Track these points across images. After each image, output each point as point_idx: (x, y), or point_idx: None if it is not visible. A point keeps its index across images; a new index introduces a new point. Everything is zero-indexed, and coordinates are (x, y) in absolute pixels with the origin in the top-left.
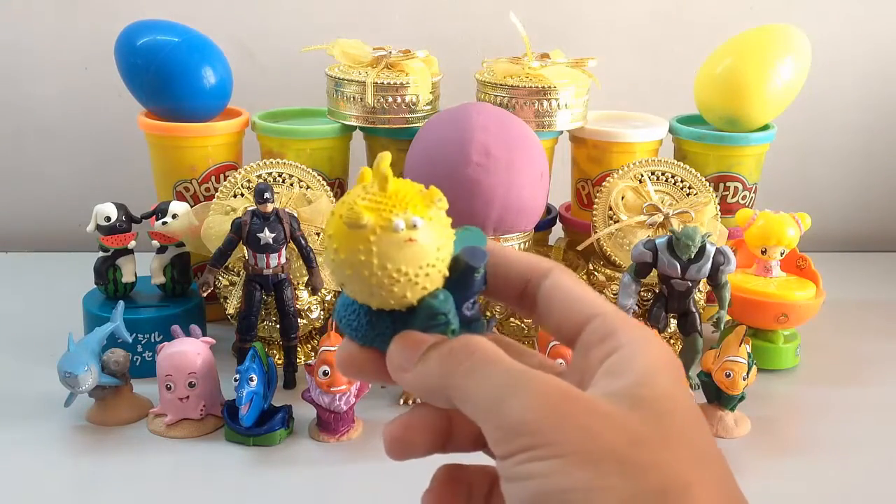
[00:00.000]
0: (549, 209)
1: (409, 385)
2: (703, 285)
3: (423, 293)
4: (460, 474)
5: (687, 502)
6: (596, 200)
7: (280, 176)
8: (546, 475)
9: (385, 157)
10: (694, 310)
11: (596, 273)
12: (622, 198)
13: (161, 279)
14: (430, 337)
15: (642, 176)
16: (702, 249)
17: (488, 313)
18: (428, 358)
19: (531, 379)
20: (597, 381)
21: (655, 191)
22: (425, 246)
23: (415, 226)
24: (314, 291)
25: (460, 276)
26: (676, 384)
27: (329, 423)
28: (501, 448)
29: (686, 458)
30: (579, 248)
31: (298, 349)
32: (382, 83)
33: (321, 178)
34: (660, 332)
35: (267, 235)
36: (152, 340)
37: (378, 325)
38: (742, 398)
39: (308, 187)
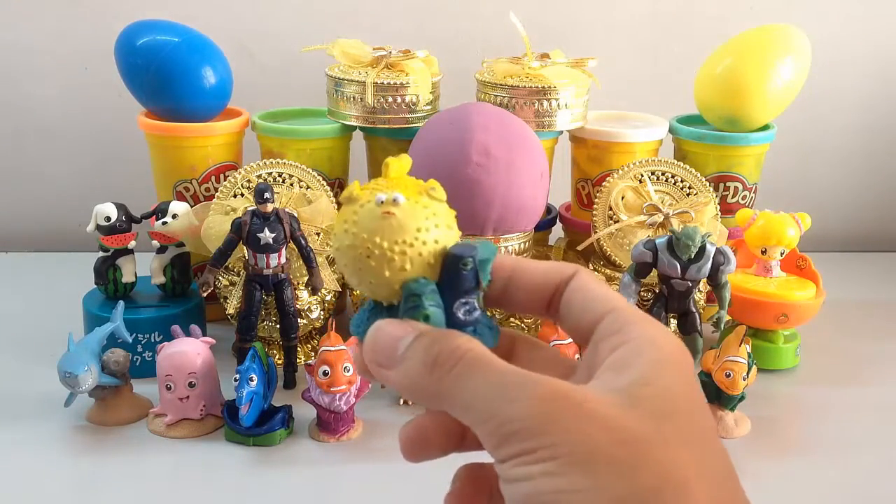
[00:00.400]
0: (549, 209)
1: (394, 384)
2: (703, 285)
3: (402, 275)
4: (481, 473)
5: (683, 500)
6: (596, 200)
7: (280, 176)
8: (541, 477)
9: (404, 158)
10: (694, 310)
11: (596, 273)
12: (622, 198)
13: (161, 279)
14: (405, 329)
15: (642, 176)
16: (702, 249)
17: (488, 313)
18: (412, 357)
19: (523, 382)
20: (601, 376)
21: (655, 191)
22: (402, 221)
23: (395, 201)
24: (314, 291)
25: (448, 268)
26: (681, 381)
27: (329, 423)
28: (498, 452)
29: (684, 456)
30: (579, 248)
31: (298, 349)
32: (382, 83)
33: (321, 178)
34: None
35: (267, 235)
36: (152, 340)
37: (374, 319)
38: (742, 398)
39: (308, 187)
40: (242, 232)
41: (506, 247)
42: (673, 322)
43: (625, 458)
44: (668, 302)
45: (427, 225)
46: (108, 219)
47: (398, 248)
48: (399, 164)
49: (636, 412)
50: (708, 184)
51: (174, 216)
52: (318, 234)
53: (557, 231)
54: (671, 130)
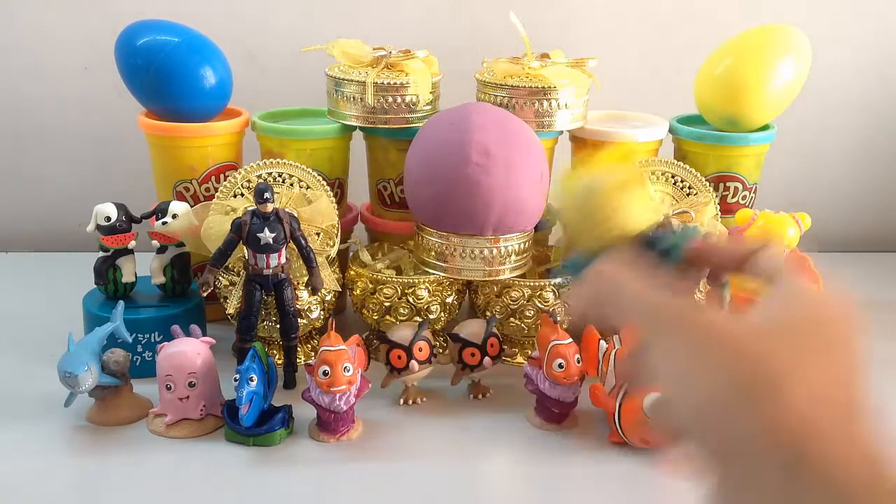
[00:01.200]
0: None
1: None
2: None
3: (605, 240)
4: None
5: (779, 388)
6: None
7: (280, 176)
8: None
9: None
10: None
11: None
12: None
13: (161, 279)
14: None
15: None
16: None
17: (488, 313)
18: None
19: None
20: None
21: (655, 191)
22: (600, 204)
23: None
24: (314, 291)
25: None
26: (825, 322)
27: (329, 423)
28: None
29: (791, 356)
30: None
31: (298, 349)
32: (382, 83)
33: (321, 178)
34: None
35: (267, 235)
36: (152, 340)
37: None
38: None
39: (308, 187)
40: (242, 232)
41: (505, 247)
42: None
43: (730, 350)
44: None
45: (620, 207)
46: (108, 219)
47: (600, 221)
48: (607, 153)
49: (760, 328)
50: (708, 184)
51: (174, 216)
52: (318, 234)
53: (557, 231)
54: (671, 130)
